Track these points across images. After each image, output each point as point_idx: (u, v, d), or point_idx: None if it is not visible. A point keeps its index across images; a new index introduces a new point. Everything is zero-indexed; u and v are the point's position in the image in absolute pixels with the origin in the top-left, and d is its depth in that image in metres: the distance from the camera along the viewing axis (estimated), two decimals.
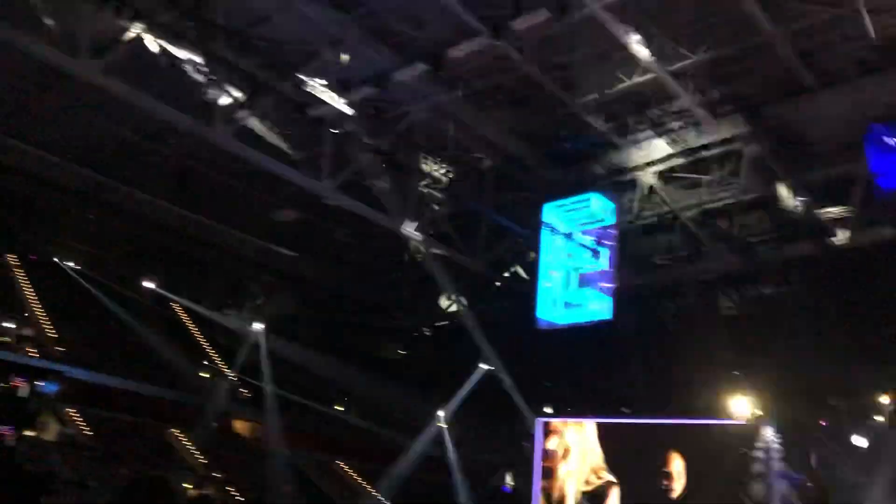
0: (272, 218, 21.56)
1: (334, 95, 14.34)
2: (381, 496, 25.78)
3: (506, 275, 20.83)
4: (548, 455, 19.78)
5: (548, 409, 21.22)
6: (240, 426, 28.57)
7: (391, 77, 14.55)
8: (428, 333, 23.72)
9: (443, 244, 19.59)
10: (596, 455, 19.32)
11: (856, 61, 14.49)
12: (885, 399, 17.42)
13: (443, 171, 17.50)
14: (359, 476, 28.31)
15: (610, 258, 17.74)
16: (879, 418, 17.55)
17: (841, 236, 16.46)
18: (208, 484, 23.98)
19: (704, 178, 17.72)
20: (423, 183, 18.19)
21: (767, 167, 16.51)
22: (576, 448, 19.62)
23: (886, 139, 15.70)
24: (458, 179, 18.08)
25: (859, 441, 17.67)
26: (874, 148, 15.88)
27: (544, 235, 18.60)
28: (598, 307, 17.80)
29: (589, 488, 19.03)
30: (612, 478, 18.85)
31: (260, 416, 26.36)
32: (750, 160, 16.64)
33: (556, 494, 19.41)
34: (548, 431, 20.12)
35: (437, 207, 18.99)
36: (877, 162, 15.84)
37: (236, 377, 27.11)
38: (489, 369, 23.64)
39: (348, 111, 14.70)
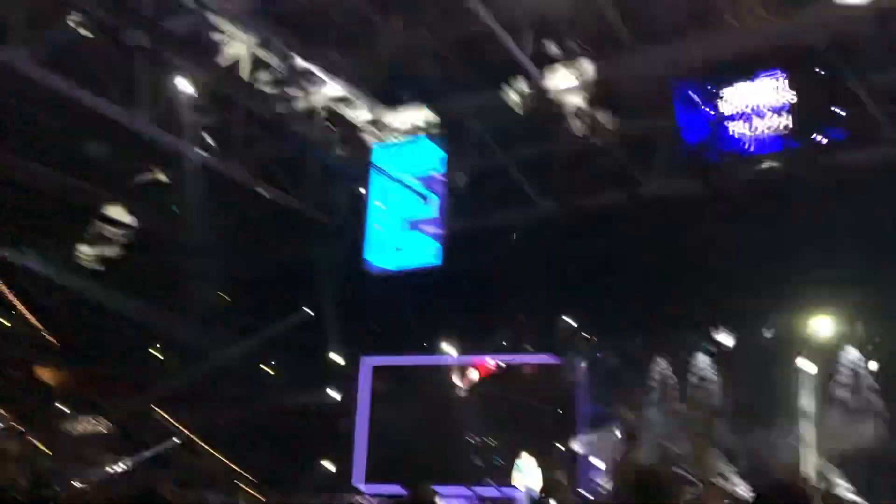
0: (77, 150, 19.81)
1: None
2: (201, 440, 25.06)
3: (334, 217, 20.60)
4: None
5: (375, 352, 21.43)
6: (44, 374, 26.57)
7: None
8: (252, 277, 23.04)
9: (268, 184, 18.99)
10: None
11: (671, 21, 15.36)
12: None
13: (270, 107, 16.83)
14: (176, 422, 27.34)
15: (439, 204, 18.04)
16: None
17: (646, 187, 17.62)
18: (8, 435, 22.21)
19: (526, 127, 18.26)
20: (249, 120, 17.48)
21: (588, 122, 17.27)
22: None
23: (693, 96, 16.98)
24: (286, 116, 17.47)
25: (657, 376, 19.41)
26: (681, 104, 17.14)
27: (374, 178, 18.55)
28: (427, 252, 18.12)
29: None
30: None
31: (66, 362, 24.64)
32: (571, 112, 17.36)
33: None
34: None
35: (262, 145, 18.35)
36: (683, 117, 17.13)
37: (39, 323, 25.05)
38: (314, 313, 23.48)
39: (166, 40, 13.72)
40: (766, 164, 16.51)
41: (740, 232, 17.64)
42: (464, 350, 20.85)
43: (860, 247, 16.20)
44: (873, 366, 17.08)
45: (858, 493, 16.06)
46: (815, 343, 17.57)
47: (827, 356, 17.65)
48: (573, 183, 18.66)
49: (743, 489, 16.75)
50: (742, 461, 17.70)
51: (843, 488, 15.91)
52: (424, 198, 17.78)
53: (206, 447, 23.71)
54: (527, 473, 17.79)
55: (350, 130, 19.02)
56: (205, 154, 17.50)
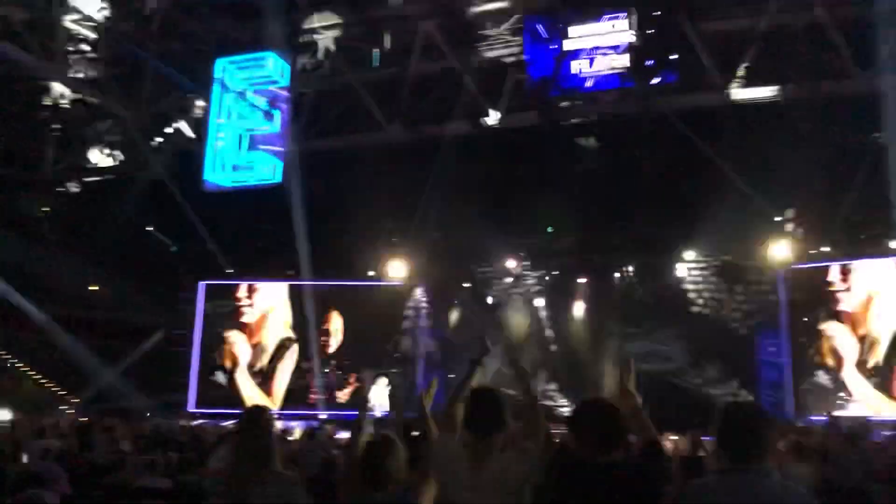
0: None
1: None
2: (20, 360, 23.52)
3: (169, 131, 19.54)
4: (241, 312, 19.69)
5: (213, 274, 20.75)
6: None
7: None
8: (76, 189, 21.49)
9: (97, 91, 17.70)
10: (286, 313, 19.67)
11: None
12: (511, 263, 19.80)
13: (97, 8, 15.56)
14: None
15: (282, 121, 17.55)
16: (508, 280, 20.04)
17: (493, 118, 17.89)
18: None
19: (375, 50, 18.01)
20: (73, 19, 16.10)
21: (437, 47, 17.25)
22: (278, 305, 19.85)
23: (540, 30, 17.30)
24: (118, 20, 16.26)
25: (491, 301, 20.09)
26: (529, 38, 17.44)
27: (215, 92, 17.72)
28: (268, 171, 17.66)
29: (276, 342, 19.54)
30: (292, 335, 19.52)
31: None
32: (421, 40, 17.28)
33: (257, 347, 19.65)
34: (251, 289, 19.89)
35: (89, 50, 17.00)
36: (530, 51, 17.46)
37: None
38: (149, 230, 22.40)
39: None
40: (603, 102, 17.17)
41: (576, 164, 18.36)
42: (307, 273, 20.61)
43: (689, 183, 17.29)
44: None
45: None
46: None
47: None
48: (421, 110, 18.64)
49: (565, 407, 18.04)
50: (564, 381, 18.99)
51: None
52: (267, 114, 17.24)
53: (22, 366, 22.36)
54: (377, 394, 18.16)
55: (189, 40, 18.03)
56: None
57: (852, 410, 15.48)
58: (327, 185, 19.58)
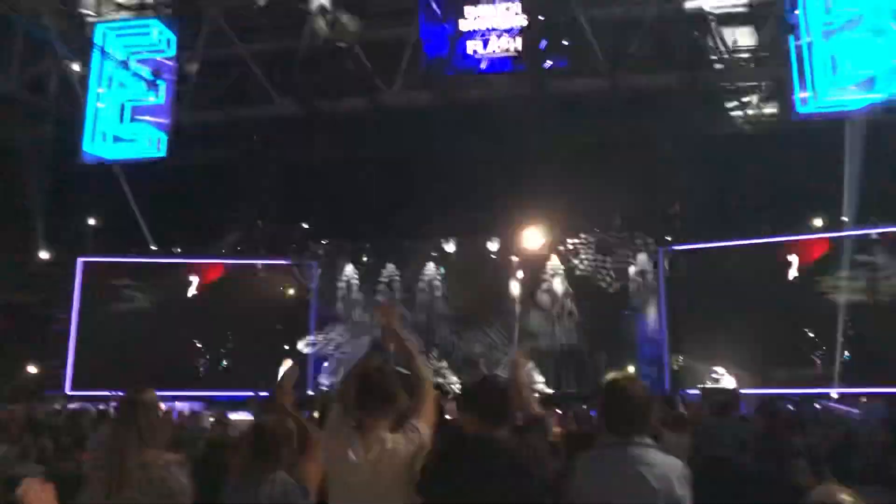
0: None
1: None
2: None
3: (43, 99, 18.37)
4: None
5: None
6: None
7: None
8: None
9: None
10: None
11: None
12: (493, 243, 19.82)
13: None
14: None
15: (167, 93, 16.82)
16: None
17: (384, 96, 17.77)
18: None
19: (264, 21, 17.54)
20: None
21: (332, 22, 16.93)
22: None
23: (435, 8, 17.28)
24: None
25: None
26: (424, 17, 17.40)
27: (95, 59, 16.78)
28: (152, 144, 16.91)
29: None
30: None
31: None
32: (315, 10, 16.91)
33: None
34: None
35: None
36: (425, 30, 17.43)
37: None
38: (17, 201, 21.01)
39: None
40: (496, 83, 17.36)
41: (469, 147, 18.48)
42: (192, 250, 19.95)
43: (574, 165, 17.74)
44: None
45: (548, 384, 18.18)
46: (527, 252, 19.16)
47: (536, 265, 19.35)
48: (316, 84, 18.29)
49: (455, 384, 18.30)
50: (458, 359, 19.23)
51: (539, 381, 17.90)
52: (151, 84, 16.47)
53: None
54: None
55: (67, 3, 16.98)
56: None
57: (724, 384, 16.42)
58: (217, 159, 18.95)
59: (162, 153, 16.97)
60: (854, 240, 16.24)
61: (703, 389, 15.74)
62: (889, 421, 8.54)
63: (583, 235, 18.96)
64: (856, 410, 12.44)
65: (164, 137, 16.86)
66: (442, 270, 19.85)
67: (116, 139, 16.86)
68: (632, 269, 18.71)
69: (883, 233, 16.15)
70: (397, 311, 3.89)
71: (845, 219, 16.00)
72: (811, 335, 16.41)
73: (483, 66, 17.41)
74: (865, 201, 15.74)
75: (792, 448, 8.52)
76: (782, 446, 8.46)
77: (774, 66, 16.24)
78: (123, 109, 16.82)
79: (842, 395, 15.21)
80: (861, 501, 2.35)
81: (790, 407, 13.59)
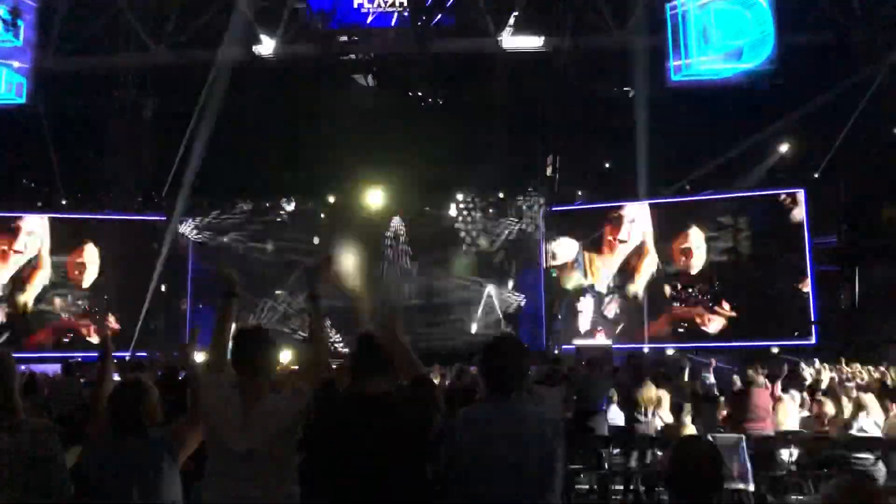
0: None
1: None
2: None
3: None
4: None
5: None
6: None
7: None
8: None
9: None
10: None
11: None
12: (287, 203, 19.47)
13: None
14: None
15: (27, 34, 15.60)
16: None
17: (266, 47, 17.16)
18: None
19: None
20: None
21: None
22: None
23: None
24: None
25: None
26: None
27: None
28: (9, 88, 15.72)
29: None
30: None
31: None
32: None
33: None
34: None
35: None
36: None
37: None
38: None
39: None
40: (381, 39, 17.13)
41: (349, 101, 18.17)
42: (61, 205, 18.75)
43: (456, 125, 17.82)
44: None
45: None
46: (371, 210, 19.23)
47: (380, 222, 19.48)
48: (192, 33, 17.45)
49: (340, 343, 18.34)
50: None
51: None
52: (9, 24, 15.22)
53: None
54: None
55: None
56: None
57: (598, 340, 17.20)
58: (84, 107, 17.79)
59: (21, 99, 15.80)
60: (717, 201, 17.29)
61: (578, 346, 16.46)
62: (743, 373, 9.21)
63: (463, 196, 19.18)
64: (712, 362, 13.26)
65: (24, 82, 15.68)
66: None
67: None
68: (513, 230, 19.14)
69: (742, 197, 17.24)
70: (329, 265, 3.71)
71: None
72: (682, 292, 17.37)
73: (369, 20, 17.15)
74: (730, 167, 16.74)
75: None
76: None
77: (652, 33, 16.75)
78: None
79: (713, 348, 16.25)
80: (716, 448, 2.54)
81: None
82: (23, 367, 11.54)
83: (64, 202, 18.71)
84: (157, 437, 3.34)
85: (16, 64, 15.49)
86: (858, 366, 12.48)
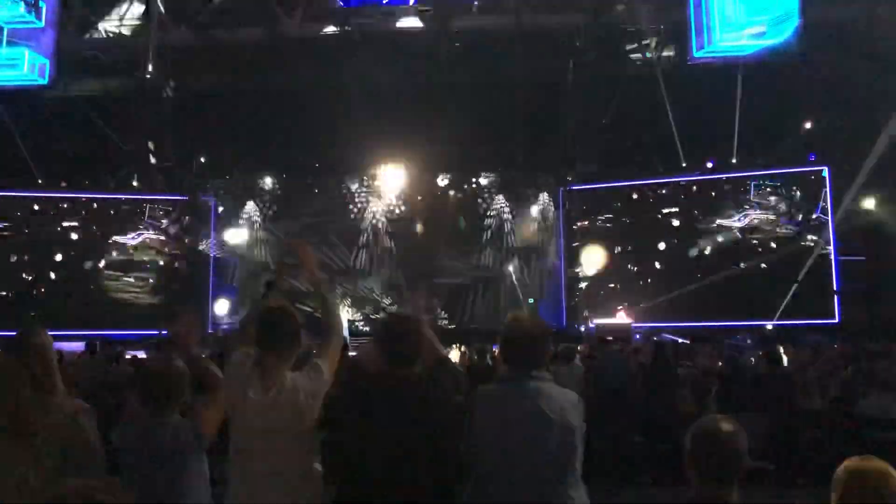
0: None
1: None
2: None
3: None
4: None
5: None
6: None
7: None
8: None
9: None
10: None
11: None
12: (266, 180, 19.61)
13: None
14: None
15: (49, 16, 15.66)
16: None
17: (286, 27, 17.11)
18: None
19: None
20: None
21: None
22: None
23: None
24: None
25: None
26: None
27: None
28: (32, 69, 15.80)
29: None
30: None
31: None
32: None
33: None
34: None
35: None
36: None
37: None
38: None
39: None
40: (397, 18, 17.01)
41: (369, 80, 18.10)
42: (81, 185, 18.93)
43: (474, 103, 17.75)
44: None
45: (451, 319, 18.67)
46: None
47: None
48: (212, 13, 17.44)
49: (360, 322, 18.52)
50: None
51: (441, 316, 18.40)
52: (31, 6, 15.30)
53: None
54: None
55: None
56: None
57: (618, 318, 17.15)
58: (108, 90, 17.88)
59: (45, 80, 15.91)
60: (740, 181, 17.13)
61: (598, 325, 16.42)
62: (768, 353, 9.13)
63: (483, 175, 19.14)
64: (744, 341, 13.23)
65: (47, 63, 15.77)
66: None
67: None
68: (533, 209, 19.10)
69: (766, 175, 17.05)
70: (309, 247, 3.82)
71: (734, 161, 16.78)
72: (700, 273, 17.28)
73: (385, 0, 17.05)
74: (752, 145, 16.54)
75: (677, 378, 9.05)
76: (668, 377, 8.98)
77: (674, 10, 16.53)
78: (1, 32, 15.58)
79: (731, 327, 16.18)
80: (739, 427, 2.51)
81: (677, 340, 14.39)
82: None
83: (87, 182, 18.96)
84: (187, 419, 3.39)
85: (38, 44, 15.56)
86: None
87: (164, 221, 19.08)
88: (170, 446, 3.29)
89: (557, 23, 17.21)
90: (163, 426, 3.33)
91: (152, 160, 19.16)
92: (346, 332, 15.66)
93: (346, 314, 17.12)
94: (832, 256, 16.19)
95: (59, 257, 18.29)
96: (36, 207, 18.34)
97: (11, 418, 2.90)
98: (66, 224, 18.66)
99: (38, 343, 3.19)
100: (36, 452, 2.95)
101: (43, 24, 15.60)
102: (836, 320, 15.91)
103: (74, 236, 18.58)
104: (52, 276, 18.32)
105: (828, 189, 16.33)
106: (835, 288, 16.09)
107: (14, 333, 3.29)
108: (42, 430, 2.97)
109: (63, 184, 18.92)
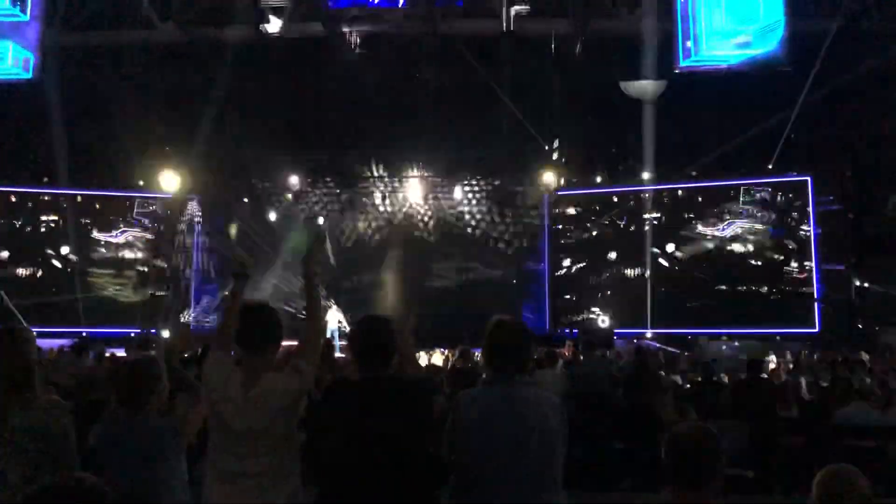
0: None
1: None
2: None
3: None
4: None
5: None
6: None
7: None
8: None
9: None
10: None
11: None
12: (294, 180, 19.53)
13: None
14: None
15: (34, 9, 15.51)
16: (289, 196, 19.72)
17: (274, 26, 17.03)
18: None
19: None
20: None
21: None
22: None
23: None
24: None
25: (272, 216, 19.69)
26: None
27: None
28: (16, 63, 15.66)
29: None
30: None
31: None
32: None
33: None
34: None
35: None
36: None
37: None
38: None
39: None
40: (388, 19, 16.97)
41: (357, 83, 18.08)
42: (72, 181, 18.77)
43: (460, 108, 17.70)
44: None
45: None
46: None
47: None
48: (199, 11, 17.31)
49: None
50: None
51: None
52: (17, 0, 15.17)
53: None
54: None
55: None
56: None
57: (600, 324, 17.23)
58: (89, 84, 17.69)
59: (28, 74, 15.75)
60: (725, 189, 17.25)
61: (581, 330, 16.49)
62: (748, 360, 9.18)
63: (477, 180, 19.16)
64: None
65: (31, 57, 15.62)
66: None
67: None
68: (518, 213, 19.12)
69: (750, 184, 17.18)
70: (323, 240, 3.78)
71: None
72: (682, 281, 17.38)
73: (374, 1, 17.00)
74: (737, 154, 16.66)
75: (658, 384, 9.07)
76: (649, 383, 8.99)
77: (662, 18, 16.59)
78: None
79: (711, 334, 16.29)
80: (714, 433, 2.52)
81: (658, 346, 14.45)
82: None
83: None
84: (166, 419, 3.37)
85: (23, 40, 15.40)
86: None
87: (148, 219, 18.97)
88: (148, 444, 3.27)
89: (545, 28, 17.23)
90: (141, 424, 3.31)
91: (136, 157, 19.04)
92: (335, 332, 15.51)
93: (336, 314, 16.95)
94: (814, 265, 16.34)
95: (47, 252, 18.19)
96: (13, 199, 18.20)
97: None
98: (48, 218, 18.55)
99: (18, 339, 3.18)
100: (14, 448, 2.96)
101: (27, 17, 15.45)
102: (817, 329, 16.05)
103: (57, 231, 18.45)
104: (39, 272, 18.21)
105: (810, 198, 16.48)
106: (815, 296, 16.24)
107: None
108: (20, 424, 2.98)
109: (45, 179, 18.79)
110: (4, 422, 2.98)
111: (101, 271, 18.59)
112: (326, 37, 17.34)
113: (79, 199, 18.84)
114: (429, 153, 17.80)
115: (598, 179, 18.90)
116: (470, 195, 19.35)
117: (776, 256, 16.78)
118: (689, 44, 15.74)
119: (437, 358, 13.34)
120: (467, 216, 19.29)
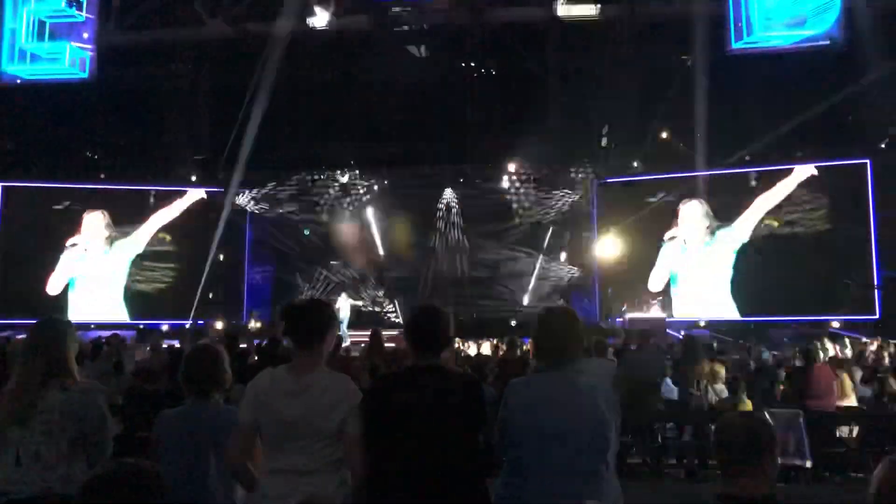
0: None
1: None
2: None
3: None
4: None
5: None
6: None
7: None
8: None
9: None
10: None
11: None
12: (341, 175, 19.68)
13: None
14: None
15: (93, 9, 15.92)
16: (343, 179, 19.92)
17: (321, 19, 17.16)
18: None
19: None
20: None
21: None
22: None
23: None
24: None
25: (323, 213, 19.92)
26: None
27: None
28: (73, 63, 16.06)
29: None
30: None
31: None
32: None
33: None
34: None
35: None
36: None
37: None
38: None
39: None
40: (434, 10, 16.96)
41: (402, 73, 18.10)
42: (118, 177, 19.22)
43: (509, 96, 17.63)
44: None
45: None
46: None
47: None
48: (247, 6, 17.56)
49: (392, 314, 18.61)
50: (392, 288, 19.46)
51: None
52: (73, 0, 15.57)
53: None
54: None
55: None
56: None
57: (651, 312, 16.98)
58: (142, 81, 18.12)
59: (85, 74, 16.16)
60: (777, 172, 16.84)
61: (631, 319, 16.30)
62: (804, 349, 9.01)
63: (525, 167, 19.07)
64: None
65: (87, 57, 16.02)
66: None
67: (35, 57, 15.96)
68: (568, 202, 18.99)
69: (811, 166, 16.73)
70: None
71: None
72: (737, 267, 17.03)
73: None
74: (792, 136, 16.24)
75: (697, 353, 9.03)
76: (689, 355, 8.96)
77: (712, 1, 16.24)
78: (43, 26, 15.86)
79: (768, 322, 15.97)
80: (766, 420, 2.50)
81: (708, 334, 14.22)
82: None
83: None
84: (230, 405, 3.45)
85: (79, 38, 15.81)
86: None
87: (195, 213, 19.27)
88: (212, 427, 3.36)
89: (591, 12, 17.00)
90: (206, 409, 3.41)
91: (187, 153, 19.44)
92: (344, 327, 15.56)
93: (346, 302, 17.06)
94: (873, 251, 15.87)
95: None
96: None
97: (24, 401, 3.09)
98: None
99: (58, 328, 3.38)
100: (51, 427, 3.16)
101: (83, 17, 15.85)
102: (877, 316, 15.61)
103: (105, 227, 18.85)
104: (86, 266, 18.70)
105: (870, 181, 16.00)
106: (875, 282, 15.78)
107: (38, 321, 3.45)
108: (59, 406, 3.18)
109: (101, 175, 19.29)
110: (43, 403, 3.18)
111: (150, 263, 18.94)
112: (373, 29, 17.42)
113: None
114: (473, 142, 17.75)
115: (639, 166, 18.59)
116: (517, 183, 19.27)
117: (834, 241, 16.33)
118: (741, 25, 15.38)
119: (486, 348, 13.38)
120: (514, 205, 19.24)
